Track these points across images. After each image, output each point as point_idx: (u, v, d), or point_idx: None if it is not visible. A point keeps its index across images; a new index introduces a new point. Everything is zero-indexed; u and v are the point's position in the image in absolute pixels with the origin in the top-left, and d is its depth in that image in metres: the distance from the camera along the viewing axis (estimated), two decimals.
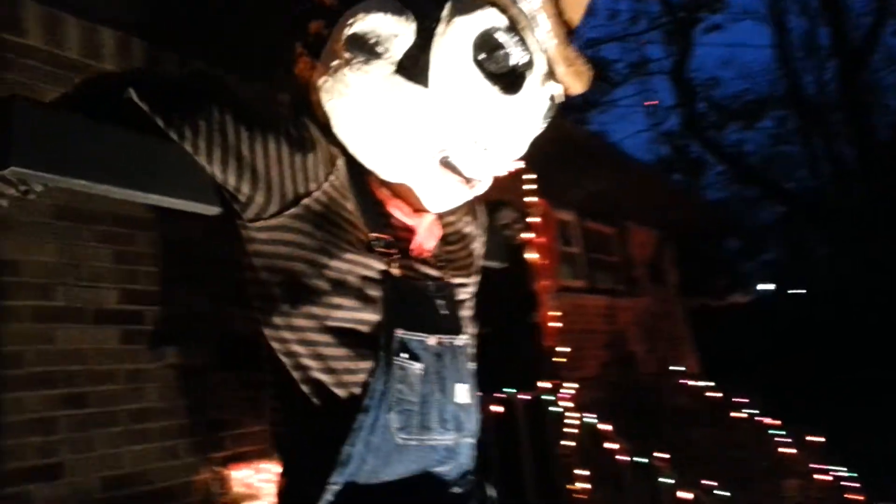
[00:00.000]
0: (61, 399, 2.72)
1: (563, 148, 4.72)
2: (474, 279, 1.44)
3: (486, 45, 1.17)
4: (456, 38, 1.16)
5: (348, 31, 1.19)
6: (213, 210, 1.21)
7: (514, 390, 4.33)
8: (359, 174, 1.28)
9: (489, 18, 1.17)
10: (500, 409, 4.18)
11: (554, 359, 4.86)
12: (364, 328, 1.19)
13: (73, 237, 2.87)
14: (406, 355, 1.21)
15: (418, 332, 1.24)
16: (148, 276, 3.10)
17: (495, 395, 4.21)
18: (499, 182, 1.37)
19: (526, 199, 4.68)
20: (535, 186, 4.71)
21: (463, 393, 1.29)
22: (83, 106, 1.12)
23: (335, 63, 1.20)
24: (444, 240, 1.41)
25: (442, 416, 1.24)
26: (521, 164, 2.32)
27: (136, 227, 3.08)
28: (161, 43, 3.20)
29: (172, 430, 3.05)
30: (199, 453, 3.13)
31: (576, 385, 4.70)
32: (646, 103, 17.04)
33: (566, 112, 6.12)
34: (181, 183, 1.15)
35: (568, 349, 5.02)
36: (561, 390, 4.59)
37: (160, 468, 2.97)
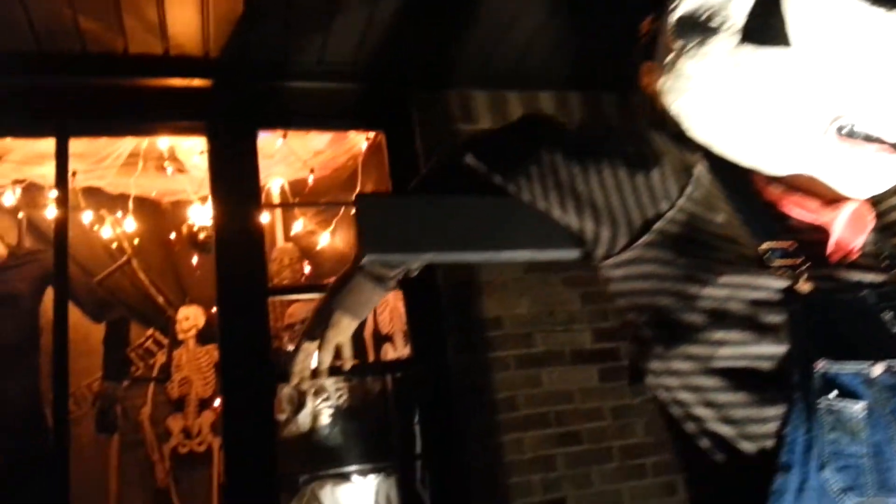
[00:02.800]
0: (556, 437, 2.90)
1: None
2: None
3: None
4: None
5: (673, 17, 1.04)
6: (572, 255, 1.15)
7: None
8: (732, 177, 1.07)
9: None
10: None
11: None
12: (765, 365, 0.96)
13: (544, 286, 3.08)
14: (836, 394, 0.95)
15: (852, 360, 0.95)
16: (616, 313, 3.14)
17: None
18: None
19: None
20: None
21: None
22: (428, 185, 1.19)
23: (669, 58, 1.05)
24: (883, 230, 1.09)
25: None
26: None
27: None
28: (585, 89, 3.30)
29: (666, 466, 2.99)
30: None
31: None
32: None
33: None
34: (532, 235, 1.12)
35: None
36: None
37: None
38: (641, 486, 2.94)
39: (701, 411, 0.99)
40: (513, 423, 2.89)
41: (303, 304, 3.45)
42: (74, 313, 3.97)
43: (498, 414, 2.89)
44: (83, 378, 3.91)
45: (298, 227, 4.21)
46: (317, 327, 1.19)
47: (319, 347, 1.18)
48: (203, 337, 4.10)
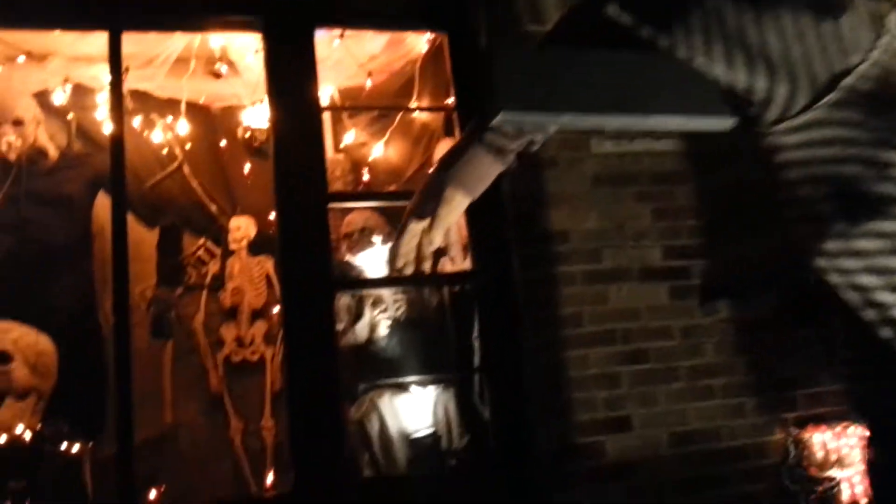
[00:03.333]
0: (621, 355, 2.81)
1: None
2: None
3: None
4: None
5: None
6: (724, 124, 1.00)
7: None
8: None
9: None
10: None
11: None
12: None
13: (613, 201, 2.94)
14: None
15: None
16: (690, 230, 2.99)
17: None
18: None
19: None
20: None
21: None
22: (560, 39, 1.04)
23: None
24: None
25: None
26: None
27: (673, 182, 3.01)
28: None
29: (736, 387, 2.89)
30: (769, 412, 2.89)
31: None
32: None
33: None
34: (683, 99, 0.98)
35: None
36: None
37: (727, 426, 2.84)
38: (708, 408, 2.85)
39: (885, 296, 0.88)
40: (577, 340, 2.80)
41: (360, 213, 3.34)
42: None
43: (562, 329, 2.80)
44: (135, 285, 3.89)
45: (349, 138, 4.07)
46: (426, 204, 1.06)
47: (429, 226, 1.06)
48: (255, 247, 4.04)
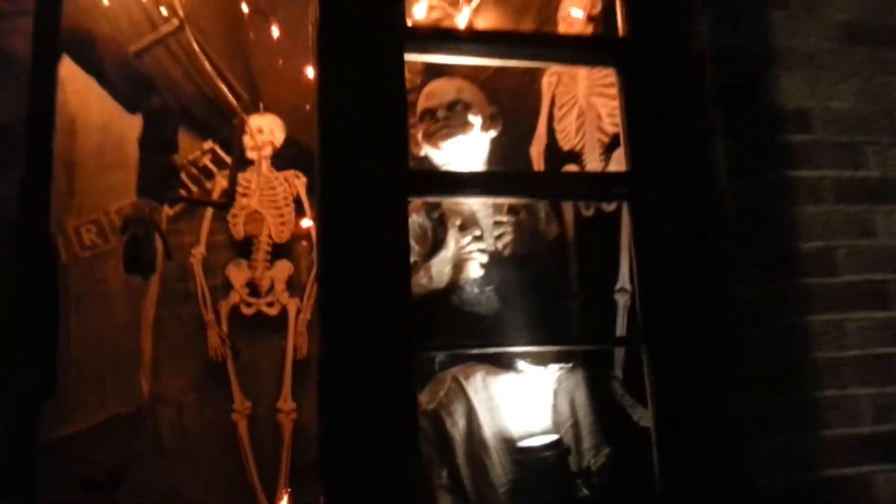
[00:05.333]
0: None
1: None
2: None
3: None
4: None
5: None
6: None
7: None
8: None
9: None
10: None
11: None
12: None
13: (878, 67, 1.78)
14: None
15: None
16: None
17: None
18: None
19: None
20: None
21: None
22: None
23: None
24: None
25: None
26: None
27: None
28: None
29: None
30: None
31: None
32: None
33: None
34: None
35: None
36: None
37: None
38: None
39: None
40: (825, 298, 1.63)
41: (450, 80, 2.16)
42: (103, 104, 2.81)
43: (796, 278, 1.63)
44: (114, 199, 2.79)
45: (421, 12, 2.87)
46: None
47: None
48: (281, 160, 2.91)
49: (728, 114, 1.78)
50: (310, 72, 2.24)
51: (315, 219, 1.84)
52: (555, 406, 1.90)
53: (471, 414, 1.87)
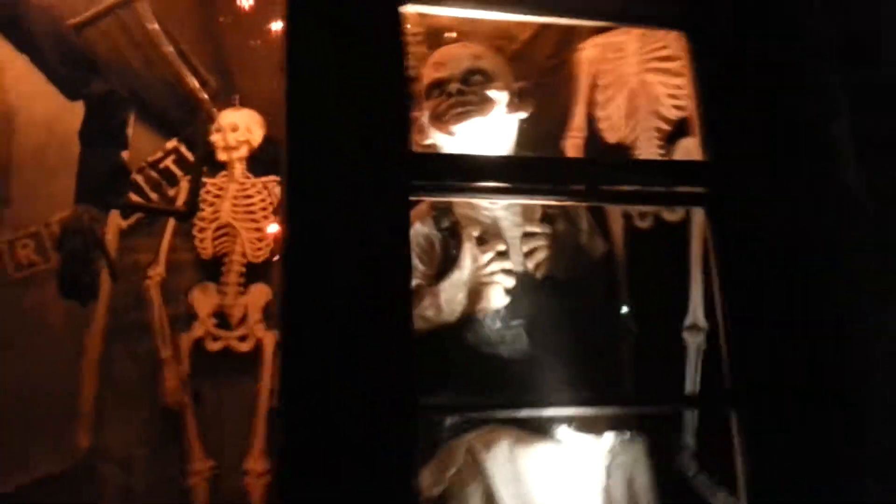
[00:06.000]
0: None
1: None
2: None
3: None
4: None
5: None
6: None
7: None
8: None
9: None
10: None
11: None
12: None
13: None
14: None
15: None
16: None
17: None
18: None
19: None
20: None
21: None
22: None
23: None
24: None
25: None
26: None
27: None
28: None
29: None
30: None
31: None
32: None
33: None
34: None
35: None
36: None
37: None
38: None
39: None
40: None
41: (464, 45, 1.64)
42: (49, 96, 2.33)
43: None
44: (59, 209, 2.31)
45: None
46: None
47: None
48: (259, 163, 2.43)
49: (847, 82, 1.29)
50: None
51: (281, 223, 1.36)
52: (607, 489, 1.38)
53: (491, 500, 1.35)
